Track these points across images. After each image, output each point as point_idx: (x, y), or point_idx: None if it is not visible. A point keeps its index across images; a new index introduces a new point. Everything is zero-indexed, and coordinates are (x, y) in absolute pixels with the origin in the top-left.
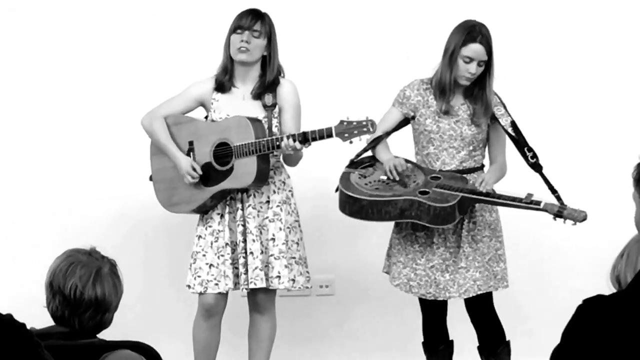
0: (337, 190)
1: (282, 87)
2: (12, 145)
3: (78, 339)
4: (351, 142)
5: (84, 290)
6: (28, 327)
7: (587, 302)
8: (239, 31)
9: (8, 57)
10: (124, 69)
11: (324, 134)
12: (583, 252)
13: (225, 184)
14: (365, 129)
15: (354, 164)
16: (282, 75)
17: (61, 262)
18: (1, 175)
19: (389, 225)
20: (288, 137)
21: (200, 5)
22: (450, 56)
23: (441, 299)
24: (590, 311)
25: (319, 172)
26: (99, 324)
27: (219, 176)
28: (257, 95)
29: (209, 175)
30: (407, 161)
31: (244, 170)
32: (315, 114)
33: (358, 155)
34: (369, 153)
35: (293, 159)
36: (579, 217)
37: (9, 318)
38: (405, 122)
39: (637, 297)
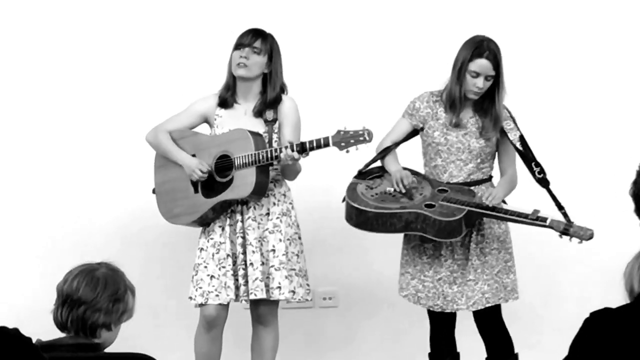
0: (343, 200)
1: (283, 103)
2: (17, 156)
3: (82, 352)
4: (348, 152)
5: (72, 284)
6: (31, 337)
7: (594, 315)
8: (240, 47)
9: (16, 74)
10: (131, 84)
11: (321, 144)
12: (592, 264)
13: (225, 195)
14: (361, 138)
15: (362, 175)
16: (285, 92)
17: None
18: (5, 185)
19: (394, 237)
20: (287, 147)
21: (206, 24)
22: (459, 71)
23: (449, 311)
24: (597, 324)
25: (322, 184)
26: (83, 322)
27: (220, 187)
28: (259, 112)
29: (210, 187)
30: (414, 173)
31: (243, 181)
32: (316, 126)
33: (367, 165)
34: (378, 163)
35: (291, 172)
36: (585, 235)
37: (15, 332)
38: (414, 133)
39: None
